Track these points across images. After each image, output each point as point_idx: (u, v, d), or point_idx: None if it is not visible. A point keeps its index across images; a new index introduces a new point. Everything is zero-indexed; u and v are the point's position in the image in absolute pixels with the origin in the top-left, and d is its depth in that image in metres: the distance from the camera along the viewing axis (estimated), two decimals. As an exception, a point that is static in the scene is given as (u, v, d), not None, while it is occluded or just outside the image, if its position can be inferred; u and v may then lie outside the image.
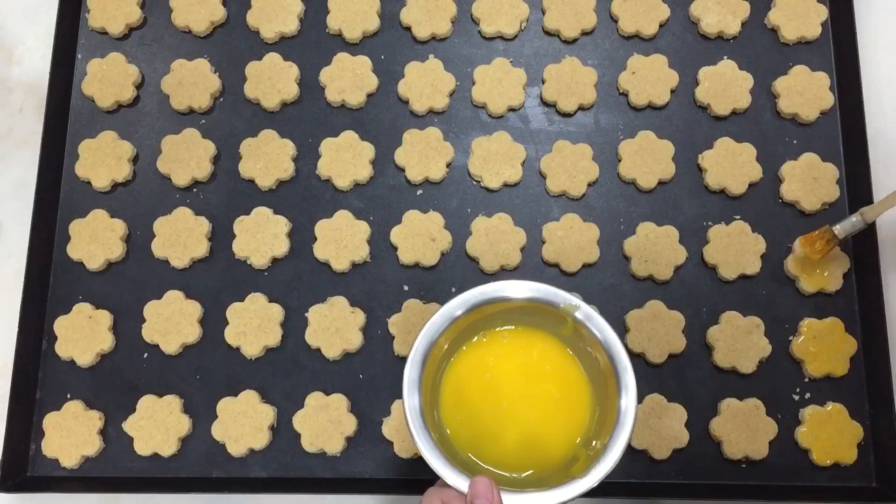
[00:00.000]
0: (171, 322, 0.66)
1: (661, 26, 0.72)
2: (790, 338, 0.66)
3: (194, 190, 0.70)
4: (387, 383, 0.66)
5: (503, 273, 0.67)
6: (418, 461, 0.61)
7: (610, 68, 0.71)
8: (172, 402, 0.65)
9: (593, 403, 0.53)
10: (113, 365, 0.67)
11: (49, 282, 0.68)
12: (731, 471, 0.64)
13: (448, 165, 0.69)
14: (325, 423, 0.64)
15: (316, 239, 0.68)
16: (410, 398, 0.49)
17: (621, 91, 0.71)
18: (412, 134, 0.69)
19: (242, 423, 0.64)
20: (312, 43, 0.72)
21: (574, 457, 0.51)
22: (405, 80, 0.71)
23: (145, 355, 0.67)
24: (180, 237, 0.68)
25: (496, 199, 0.69)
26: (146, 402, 0.65)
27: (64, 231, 0.68)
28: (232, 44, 0.73)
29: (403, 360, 0.50)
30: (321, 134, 0.70)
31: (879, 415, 0.65)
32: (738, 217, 0.68)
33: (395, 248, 0.68)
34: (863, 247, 0.67)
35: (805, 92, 0.70)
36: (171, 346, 0.66)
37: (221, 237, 0.68)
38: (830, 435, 0.64)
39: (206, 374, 0.66)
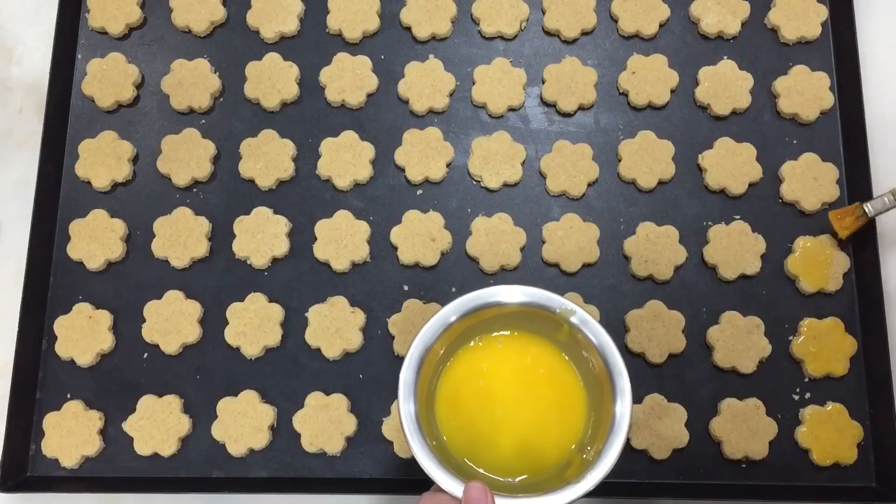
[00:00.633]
0: (171, 322, 0.66)
1: (661, 26, 0.72)
2: (790, 338, 0.66)
3: (194, 190, 0.70)
4: (387, 383, 0.66)
5: (503, 273, 0.67)
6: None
7: (610, 68, 0.71)
8: (172, 402, 0.65)
9: (588, 408, 0.52)
10: (113, 365, 0.67)
11: (49, 282, 0.68)
12: (731, 471, 0.64)
13: (448, 165, 0.69)
14: (325, 423, 0.64)
15: (316, 239, 0.68)
16: (406, 404, 0.49)
17: (621, 91, 0.71)
18: (412, 134, 0.69)
19: (242, 423, 0.64)
20: (312, 43, 0.72)
21: (569, 462, 0.51)
22: (405, 80, 0.71)
23: (145, 355, 0.67)
24: (180, 237, 0.68)
25: (496, 199, 0.69)
26: (146, 402, 0.65)
27: (64, 231, 0.68)
28: (232, 44, 0.73)
29: (403, 360, 0.50)
30: (321, 134, 0.70)
31: (879, 415, 0.65)
32: (738, 217, 0.68)
33: (395, 248, 0.68)
34: (863, 247, 0.67)
35: (805, 92, 0.70)
36: (171, 346, 0.66)
37: (221, 237, 0.68)
38: (830, 435, 0.64)
39: (206, 374, 0.66)
